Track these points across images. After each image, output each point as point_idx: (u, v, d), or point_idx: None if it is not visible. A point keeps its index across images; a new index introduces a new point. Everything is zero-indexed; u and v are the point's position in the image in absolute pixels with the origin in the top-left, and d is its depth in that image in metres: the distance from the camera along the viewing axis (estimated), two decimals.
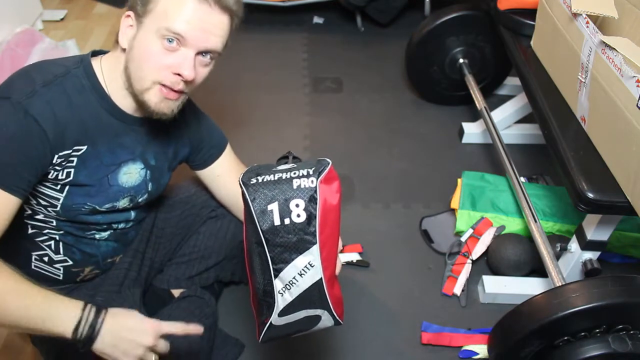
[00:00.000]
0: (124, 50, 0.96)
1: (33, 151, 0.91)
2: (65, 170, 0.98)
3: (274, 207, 0.83)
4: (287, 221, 0.83)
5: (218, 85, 2.25)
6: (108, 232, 1.14)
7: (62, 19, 2.67)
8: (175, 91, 0.95)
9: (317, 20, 2.80)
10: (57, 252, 1.09)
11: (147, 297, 1.29)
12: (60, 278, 1.14)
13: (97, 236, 1.12)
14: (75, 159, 0.98)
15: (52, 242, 1.08)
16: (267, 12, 2.79)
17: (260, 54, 2.54)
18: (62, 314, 0.87)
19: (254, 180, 0.84)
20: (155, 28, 0.90)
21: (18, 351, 1.35)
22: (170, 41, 0.90)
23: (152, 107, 0.96)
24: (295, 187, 0.83)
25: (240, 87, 2.31)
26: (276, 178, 0.84)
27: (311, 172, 0.84)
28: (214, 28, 0.92)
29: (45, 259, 1.10)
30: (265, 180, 0.84)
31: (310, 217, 0.84)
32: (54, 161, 0.95)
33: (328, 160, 0.88)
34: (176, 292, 1.35)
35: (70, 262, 1.12)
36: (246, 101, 2.24)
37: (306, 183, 0.83)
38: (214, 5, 0.91)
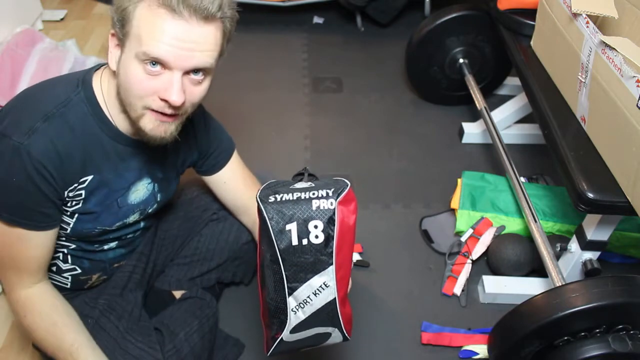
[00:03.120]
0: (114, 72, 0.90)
1: (46, 192, 0.91)
2: (74, 201, 0.97)
3: (292, 227, 0.82)
4: (305, 242, 0.83)
5: (218, 86, 2.23)
6: (116, 242, 1.14)
7: (62, 19, 2.67)
8: (168, 115, 0.88)
9: (317, 20, 2.79)
10: (65, 261, 1.10)
11: (148, 298, 1.30)
12: (68, 286, 1.14)
13: (105, 247, 1.12)
14: (82, 191, 0.97)
15: (61, 254, 1.09)
16: (267, 12, 2.79)
17: (260, 54, 2.54)
18: None
19: (272, 199, 0.83)
20: (134, 53, 0.82)
21: (18, 351, 1.35)
22: (153, 65, 0.82)
23: (148, 134, 0.90)
24: (314, 208, 0.82)
25: (240, 87, 2.31)
26: (295, 197, 0.83)
27: (330, 194, 0.83)
28: (198, 44, 0.82)
29: (54, 268, 1.10)
30: (284, 199, 0.83)
31: (328, 239, 0.83)
32: (65, 196, 0.95)
33: (347, 181, 0.86)
34: (177, 294, 1.35)
35: (79, 271, 1.12)
36: (246, 101, 2.24)
37: (325, 204, 0.83)
38: (191, 19, 0.79)
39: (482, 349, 1.38)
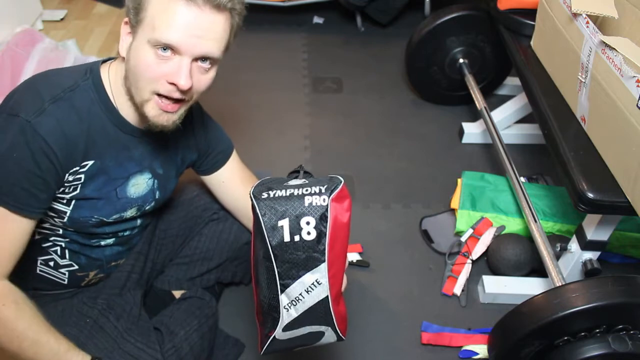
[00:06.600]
0: (124, 59, 0.93)
1: (45, 172, 0.91)
2: (72, 186, 0.97)
3: (284, 223, 0.82)
4: (297, 238, 0.83)
5: (218, 86, 2.23)
6: (113, 239, 1.14)
7: (62, 19, 2.67)
8: (173, 101, 0.91)
9: (317, 20, 2.80)
10: (62, 257, 1.09)
11: (148, 298, 1.30)
12: (65, 282, 1.13)
13: (102, 243, 1.12)
14: (82, 175, 0.97)
15: (58, 248, 1.08)
16: (267, 12, 2.79)
17: (260, 54, 2.54)
18: None
19: (265, 195, 0.84)
20: (147, 39, 0.86)
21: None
22: (164, 50, 0.86)
23: (150, 120, 0.93)
24: (307, 204, 0.82)
25: (240, 87, 2.31)
26: (288, 194, 0.83)
27: (323, 190, 0.83)
28: (208, 32, 0.86)
29: (51, 263, 1.09)
30: (276, 195, 0.83)
31: (320, 235, 0.83)
32: (64, 179, 0.95)
33: (340, 178, 0.87)
34: (177, 293, 1.35)
35: (76, 267, 1.12)
36: (246, 101, 2.24)
37: (318, 201, 0.83)
38: (204, 6, 0.84)
39: (482, 349, 1.38)
